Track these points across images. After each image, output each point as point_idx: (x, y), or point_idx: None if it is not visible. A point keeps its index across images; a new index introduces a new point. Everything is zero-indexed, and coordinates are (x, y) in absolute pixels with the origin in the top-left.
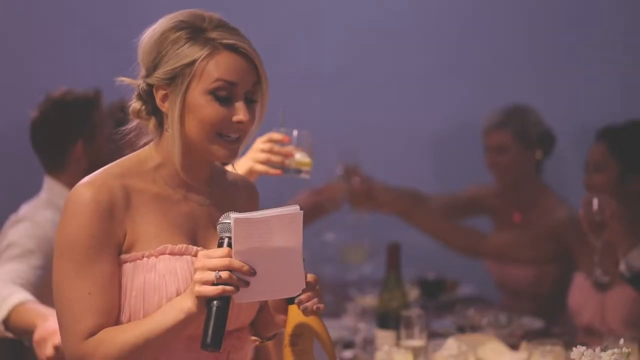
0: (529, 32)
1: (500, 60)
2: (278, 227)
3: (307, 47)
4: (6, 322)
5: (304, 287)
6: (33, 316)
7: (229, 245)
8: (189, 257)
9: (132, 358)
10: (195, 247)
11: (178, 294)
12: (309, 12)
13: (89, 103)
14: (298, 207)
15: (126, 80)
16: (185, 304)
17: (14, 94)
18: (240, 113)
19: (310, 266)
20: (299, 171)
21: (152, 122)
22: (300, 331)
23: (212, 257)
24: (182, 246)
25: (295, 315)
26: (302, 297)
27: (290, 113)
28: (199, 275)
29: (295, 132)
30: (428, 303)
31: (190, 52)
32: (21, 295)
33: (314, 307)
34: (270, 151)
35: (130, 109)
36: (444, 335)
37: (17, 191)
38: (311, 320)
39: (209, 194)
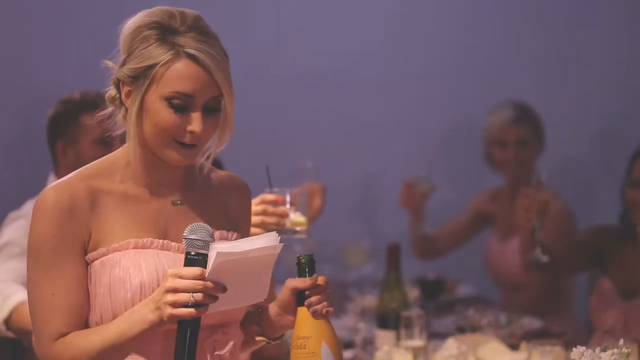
0: (530, 31)
1: (502, 60)
2: (256, 258)
3: (307, 48)
4: (7, 321)
5: (266, 295)
6: None
7: (201, 262)
8: (154, 250)
9: None
10: (160, 240)
11: (142, 287)
12: (309, 13)
13: (81, 104)
14: (278, 237)
15: (110, 63)
16: (148, 316)
17: (17, 93)
18: (194, 124)
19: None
20: (294, 231)
21: (122, 112)
22: (309, 334)
23: (185, 278)
24: (147, 240)
25: (304, 317)
26: (312, 299)
27: (290, 114)
28: (171, 298)
29: (288, 192)
30: (428, 303)
31: (154, 54)
32: (23, 295)
33: (324, 311)
34: (264, 213)
35: (107, 95)
36: (443, 336)
37: (25, 190)
38: (320, 323)
39: (184, 192)
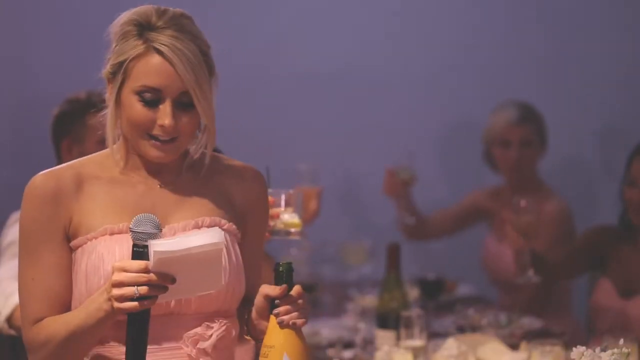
0: (530, 31)
1: (502, 60)
2: (199, 253)
3: (307, 48)
4: (9, 319)
5: (221, 284)
6: None
7: (147, 254)
8: (129, 235)
9: (68, 347)
10: None
11: None
12: (309, 13)
13: (87, 103)
14: (222, 233)
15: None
16: (103, 306)
17: (17, 93)
18: (163, 117)
19: (309, 266)
20: (288, 232)
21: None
22: (272, 344)
23: (130, 272)
24: (123, 225)
25: (272, 326)
26: (281, 309)
27: (290, 114)
28: (116, 292)
29: (283, 193)
30: (428, 303)
31: (127, 48)
32: None
33: (290, 322)
34: None
35: (105, 95)
36: (443, 335)
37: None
38: (286, 334)
39: (176, 177)
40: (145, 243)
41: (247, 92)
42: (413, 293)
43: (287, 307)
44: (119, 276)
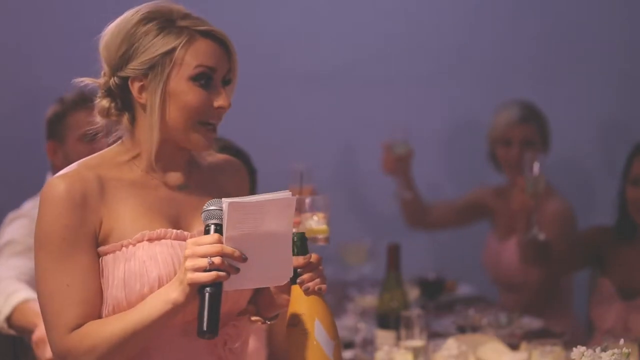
0: (530, 31)
1: (503, 59)
2: (270, 212)
3: (308, 48)
4: (9, 319)
5: (292, 275)
6: (34, 315)
7: (217, 231)
8: (168, 240)
9: (119, 350)
10: (174, 230)
11: (159, 279)
12: (310, 13)
13: (70, 103)
14: (290, 193)
15: (87, 80)
16: (172, 295)
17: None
18: (221, 99)
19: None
20: (314, 239)
21: (126, 117)
22: (301, 312)
23: (202, 244)
24: (161, 230)
25: (297, 295)
26: (305, 276)
27: (291, 113)
28: (190, 263)
29: (308, 198)
30: (428, 303)
31: (167, 41)
32: (25, 293)
33: (315, 288)
34: None
35: (98, 108)
36: (444, 336)
37: (22, 190)
38: (313, 301)
39: (188, 177)
40: (218, 221)
41: (251, 90)
42: (413, 293)
43: (310, 274)
44: (192, 249)
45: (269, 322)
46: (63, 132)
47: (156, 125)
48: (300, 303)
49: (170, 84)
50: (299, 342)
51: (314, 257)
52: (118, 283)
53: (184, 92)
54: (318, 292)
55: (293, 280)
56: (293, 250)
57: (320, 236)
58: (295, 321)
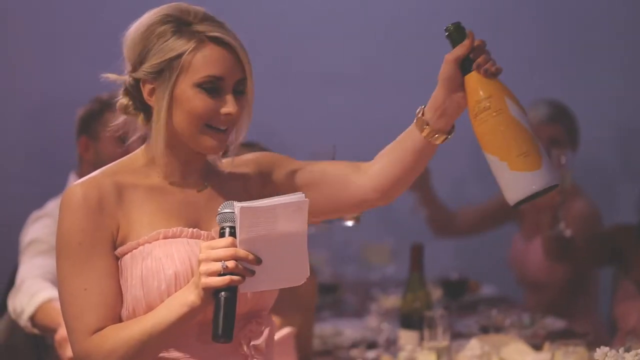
0: (553, 32)
1: (521, 59)
2: (283, 215)
3: (327, 48)
4: (33, 318)
5: (308, 275)
6: (57, 314)
7: (231, 234)
8: (185, 239)
9: (138, 353)
10: (190, 229)
11: (176, 276)
12: (329, 13)
13: (106, 103)
14: (303, 195)
15: (111, 76)
16: (189, 298)
17: (40, 94)
18: (228, 105)
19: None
20: (343, 219)
21: (141, 117)
22: (489, 94)
23: (216, 248)
24: (177, 229)
25: (476, 82)
26: (479, 60)
27: (310, 114)
28: (204, 267)
29: None
30: (451, 303)
31: (177, 45)
32: (49, 293)
33: (493, 69)
34: None
35: (118, 104)
36: (467, 336)
37: (46, 190)
38: (495, 82)
39: (206, 179)
40: (232, 224)
41: (266, 90)
42: (436, 293)
43: (483, 56)
44: (206, 253)
45: (450, 137)
46: (97, 129)
47: (162, 130)
48: (484, 87)
49: (177, 89)
50: (495, 123)
51: (477, 40)
52: (136, 282)
53: (190, 99)
54: (496, 72)
55: (466, 71)
56: (455, 41)
57: (349, 216)
58: (486, 105)
